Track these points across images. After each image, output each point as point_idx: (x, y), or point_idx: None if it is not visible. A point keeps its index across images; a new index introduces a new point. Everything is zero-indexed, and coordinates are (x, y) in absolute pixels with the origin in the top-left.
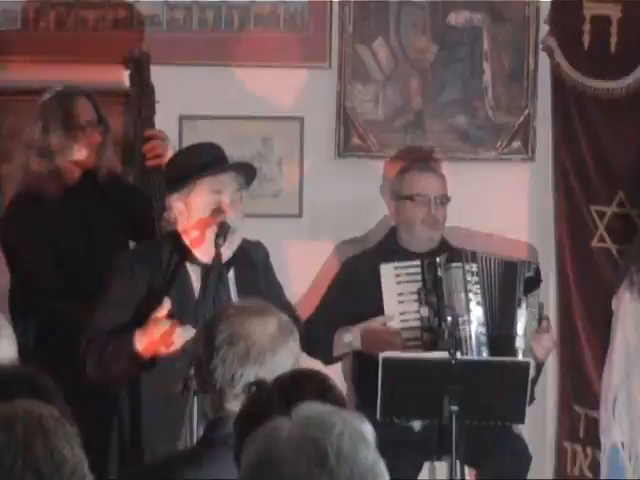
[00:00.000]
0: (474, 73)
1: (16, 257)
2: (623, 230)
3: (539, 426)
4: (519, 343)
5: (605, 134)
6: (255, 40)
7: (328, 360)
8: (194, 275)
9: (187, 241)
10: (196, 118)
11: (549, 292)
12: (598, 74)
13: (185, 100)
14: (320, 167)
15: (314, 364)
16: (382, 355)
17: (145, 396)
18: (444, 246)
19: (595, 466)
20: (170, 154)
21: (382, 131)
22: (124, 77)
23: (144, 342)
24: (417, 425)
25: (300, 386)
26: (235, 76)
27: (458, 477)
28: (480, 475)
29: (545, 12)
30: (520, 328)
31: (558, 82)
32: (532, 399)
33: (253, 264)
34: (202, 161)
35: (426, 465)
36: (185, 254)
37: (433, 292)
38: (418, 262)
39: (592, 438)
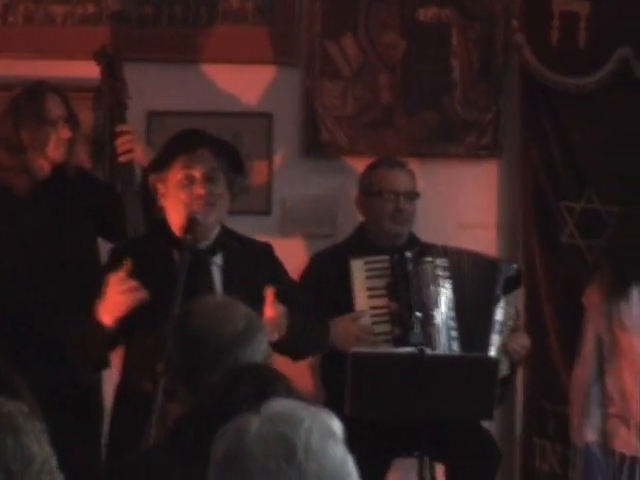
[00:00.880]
0: (443, 69)
1: None
2: (592, 226)
3: (508, 422)
4: (494, 340)
5: (574, 130)
6: (223, 36)
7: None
8: (184, 259)
9: (172, 224)
10: (165, 114)
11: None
12: (567, 70)
13: (154, 96)
14: (289, 163)
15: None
16: (351, 350)
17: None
18: (413, 241)
19: (565, 462)
20: (140, 149)
21: (351, 127)
22: (94, 72)
23: (104, 308)
24: None
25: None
26: (204, 72)
27: (428, 474)
28: (449, 471)
29: (514, 8)
30: (496, 325)
31: (527, 78)
32: (502, 398)
33: (249, 256)
34: (178, 141)
35: (396, 461)
36: (170, 239)
37: (403, 287)
38: (388, 257)
39: (561, 434)
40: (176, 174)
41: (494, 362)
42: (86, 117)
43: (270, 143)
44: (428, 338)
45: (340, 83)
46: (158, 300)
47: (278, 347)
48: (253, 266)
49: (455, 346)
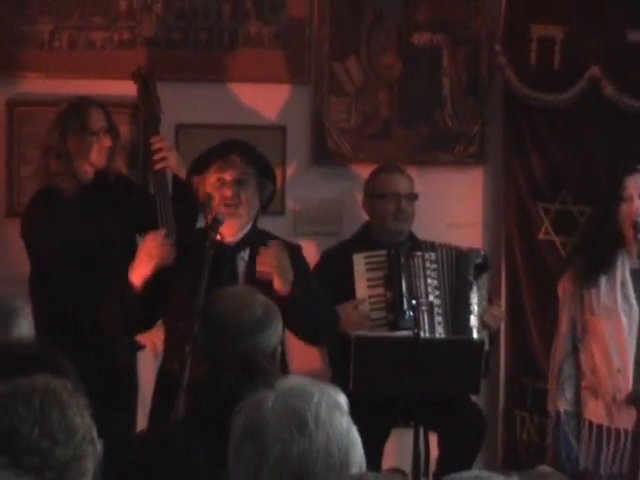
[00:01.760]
0: (435, 87)
1: (35, 249)
2: (566, 224)
3: (492, 396)
4: (473, 321)
5: (549, 140)
6: (243, 58)
7: None
8: (208, 253)
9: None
10: (191, 127)
11: (501, 279)
12: (543, 88)
13: (181, 111)
14: (300, 170)
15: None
16: (355, 334)
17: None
18: (411, 238)
19: (542, 431)
20: (173, 157)
21: (354, 138)
22: (131, 90)
23: (136, 264)
24: None
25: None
26: (226, 90)
27: (422, 441)
28: (441, 439)
29: (497, 34)
30: (473, 308)
31: (508, 95)
32: (488, 371)
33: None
34: (215, 148)
35: (394, 431)
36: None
37: (397, 278)
38: (385, 252)
39: (538, 406)
40: (211, 177)
41: (479, 344)
42: (124, 129)
43: (284, 152)
44: (417, 322)
45: (345, 99)
46: (191, 288)
47: (295, 330)
48: None
49: (440, 329)
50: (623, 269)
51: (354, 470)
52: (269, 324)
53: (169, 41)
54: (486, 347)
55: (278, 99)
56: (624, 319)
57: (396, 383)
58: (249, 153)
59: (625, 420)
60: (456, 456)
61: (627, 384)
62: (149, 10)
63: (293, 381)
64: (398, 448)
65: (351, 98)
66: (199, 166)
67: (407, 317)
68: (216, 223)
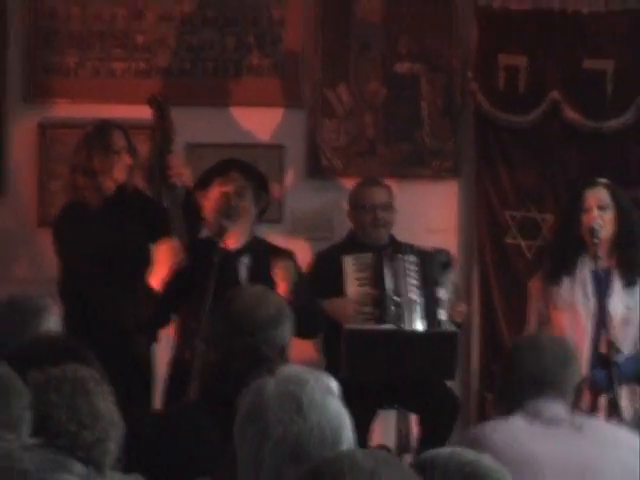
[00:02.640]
0: (414, 110)
1: (65, 253)
2: (530, 230)
3: (466, 381)
4: (441, 315)
5: (516, 155)
6: (245, 85)
7: None
8: (215, 259)
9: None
10: (200, 146)
11: (473, 279)
12: (510, 110)
13: (191, 132)
14: (296, 183)
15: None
16: (345, 327)
17: None
18: (392, 242)
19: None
20: (187, 174)
21: (344, 155)
22: (147, 114)
23: (154, 273)
24: None
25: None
26: (230, 113)
27: (403, 421)
28: (421, 419)
29: (469, 63)
30: (441, 302)
31: (479, 116)
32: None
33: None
34: (216, 166)
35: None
36: (210, 240)
37: (382, 277)
38: (371, 254)
39: None
40: (213, 191)
41: (454, 334)
42: (141, 149)
43: (282, 168)
44: (400, 317)
45: (335, 121)
46: (200, 289)
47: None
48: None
49: (419, 322)
50: (582, 269)
51: (344, 447)
52: (281, 321)
53: (181, 70)
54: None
55: (276, 121)
56: (582, 312)
57: (381, 370)
58: (246, 169)
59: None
60: (434, 434)
61: (584, 370)
62: (163, 43)
63: (291, 369)
64: (383, 428)
65: (341, 120)
66: (202, 182)
67: (391, 312)
68: (222, 230)
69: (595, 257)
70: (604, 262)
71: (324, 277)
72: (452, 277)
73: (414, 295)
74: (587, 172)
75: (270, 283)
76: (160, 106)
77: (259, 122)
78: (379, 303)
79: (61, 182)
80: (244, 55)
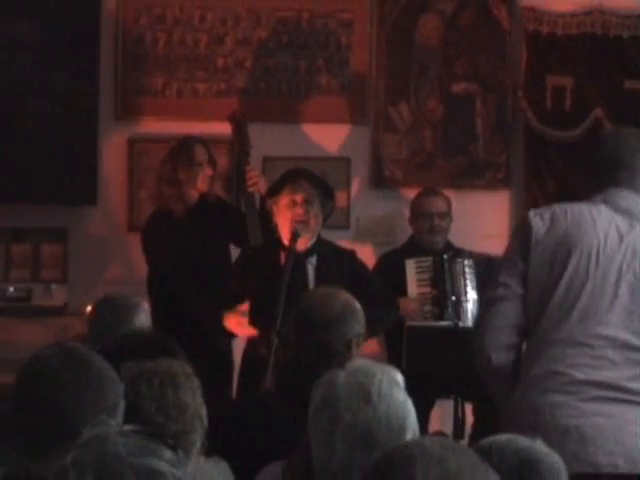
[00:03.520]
0: (469, 126)
1: (152, 258)
2: None
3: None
4: None
5: (562, 168)
6: (316, 104)
7: None
8: (283, 258)
9: (281, 234)
10: (275, 159)
11: None
12: (557, 126)
13: (267, 146)
14: (361, 193)
15: None
16: (407, 324)
17: None
18: (449, 247)
19: None
20: (262, 182)
21: (405, 167)
22: (227, 130)
23: (226, 322)
24: None
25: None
26: (302, 129)
27: (460, 410)
28: (475, 408)
29: (519, 83)
30: None
31: (529, 132)
32: None
33: (337, 259)
34: (286, 175)
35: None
36: (278, 244)
37: (441, 279)
38: (431, 258)
39: None
40: (284, 198)
41: None
42: (221, 161)
43: (348, 179)
44: (458, 315)
45: (397, 136)
46: (271, 289)
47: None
48: (338, 265)
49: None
50: None
51: (409, 434)
52: (346, 319)
53: (257, 90)
54: None
55: (343, 136)
56: None
57: (439, 363)
58: (313, 178)
59: None
60: (488, 422)
61: None
62: (241, 66)
63: (360, 362)
64: (441, 416)
65: (402, 135)
66: (273, 190)
67: (449, 311)
68: (295, 234)
69: None
70: None
71: (387, 278)
72: None
73: (470, 295)
74: None
75: (334, 281)
76: (238, 123)
77: (328, 137)
78: (438, 302)
79: (148, 191)
80: (314, 76)
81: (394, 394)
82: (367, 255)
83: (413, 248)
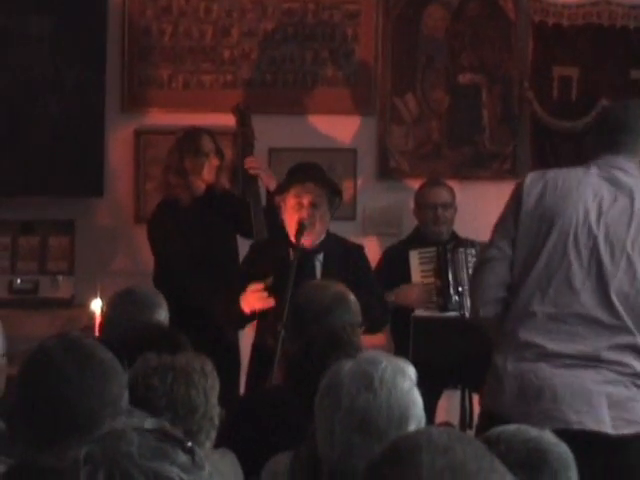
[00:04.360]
0: (476, 116)
1: (159, 249)
2: None
3: None
4: None
5: (568, 158)
6: (321, 95)
7: None
8: (292, 254)
9: (288, 230)
10: (281, 150)
11: None
12: (563, 117)
13: (273, 138)
14: (368, 184)
15: None
16: (412, 315)
17: None
18: (454, 237)
19: None
20: (264, 171)
21: (411, 158)
22: (232, 122)
23: (245, 302)
24: None
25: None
26: (308, 120)
27: (467, 400)
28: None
29: (526, 74)
30: None
31: (535, 122)
32: None
33: (344, 255)
34: (294, 173)
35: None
36: (287, 239)
37: (445, 269)
38: (434, 248)
39: None
40: (291, 199)
41: None
42: (226, 153)
43: (355, 170)
44: (461, 305)
45: (403, 127)
46: (279, 283)
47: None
48: (345, 261)
49: None
50: None
51: (414, 423)
52: (338, 305)
53: (263, 82)
54: None
55: (349, 127)
56: None
57: (446, 353)
58: (319, 178)
59: None
60: None
61: None
62: (247, 58)
63: (370, 353)
64: (448, 406)
65: (408, 126)
66: (281, 188)
67: (453, 301)
68: (302, 227)
69: None
70: None
71: (394, 269)
72: None
73: None
74: None
75: (341, 276)
76: (242, 114)
77: (334, 128)
78: (443, 293)
79: (155, 183)
80: (320, 68)
81: (398, 382)
82: (373, 246)
83: (418, 239)
